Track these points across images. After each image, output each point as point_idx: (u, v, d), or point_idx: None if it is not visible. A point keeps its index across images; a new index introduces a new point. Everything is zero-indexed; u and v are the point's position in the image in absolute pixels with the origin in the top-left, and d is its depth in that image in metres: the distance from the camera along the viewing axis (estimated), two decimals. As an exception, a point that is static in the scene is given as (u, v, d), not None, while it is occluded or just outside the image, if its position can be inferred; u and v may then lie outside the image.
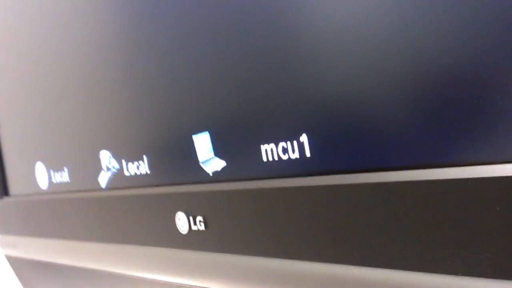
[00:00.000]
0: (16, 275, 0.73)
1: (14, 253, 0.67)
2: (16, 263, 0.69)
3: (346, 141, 0.30)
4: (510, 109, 0.23)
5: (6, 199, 0.66)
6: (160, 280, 0.45)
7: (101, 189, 0.50)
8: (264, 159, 0.35)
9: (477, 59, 0.24)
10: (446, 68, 0.25)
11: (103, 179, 0.49)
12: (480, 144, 0.24)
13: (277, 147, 0.34)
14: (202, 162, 0.39)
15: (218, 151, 0.38)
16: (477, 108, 0.24)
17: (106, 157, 0.48)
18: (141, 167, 0.45)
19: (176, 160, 0.41)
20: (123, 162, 0.46)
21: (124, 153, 0.46)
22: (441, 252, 0.26)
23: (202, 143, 0.39)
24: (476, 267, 0.25)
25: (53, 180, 0.57)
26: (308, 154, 0.32)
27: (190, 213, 0.40)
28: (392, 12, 0.27)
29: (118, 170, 0.47)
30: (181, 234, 0.41)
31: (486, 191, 0.24)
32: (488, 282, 0.24)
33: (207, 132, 0.38)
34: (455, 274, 0.26)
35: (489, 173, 0.24)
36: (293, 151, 0.33)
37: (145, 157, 0.44)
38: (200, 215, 0.39)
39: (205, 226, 0.39)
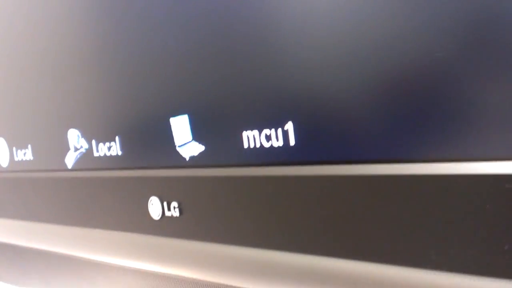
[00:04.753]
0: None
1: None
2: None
3: (332, 132, 0.29)
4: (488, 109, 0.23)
5: (-38, 176, 0.62)
6: (129, 267, 0.43)
7: (67, 169, 0.48)
8: (245, 145, 0.34)
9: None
10: (431, 69, 0.25)
11: (70, 159, 0.47)
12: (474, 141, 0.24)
13: (260, 134, 0.33)
14: (179, 146, 0.38)
15: (197, 135, 0.36)
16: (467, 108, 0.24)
17: (74, 136, 0.46)
18: (113, 149, 0.43)
19: (151, 143, 0.40)
20: (93, 142, 0.44)
21: (94, 133, 0.44)
22: (423, 246, 0.26)
23: (180, 126, 0.37)
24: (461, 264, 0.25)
25: (15, 158, 0.54)
26: (292, 142, 0.31)
27: (165, 198, 0.38)
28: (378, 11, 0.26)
29: (87, 150, 0.45)
30: (153, 219, 0.39)
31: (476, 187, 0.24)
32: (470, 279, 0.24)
33: (186, 115, 0.37)
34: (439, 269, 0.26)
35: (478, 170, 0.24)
36: (277, 139, 0.32)
37: (117, 138, 0.42)
38: (175, 200, 0.38)
39: (180, 212, 0.38)
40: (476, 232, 0.24)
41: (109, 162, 0.43)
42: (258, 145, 0.33)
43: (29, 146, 0.52)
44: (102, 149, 0.44)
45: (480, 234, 0.24)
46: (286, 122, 0.31)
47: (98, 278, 0.48)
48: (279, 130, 0.32)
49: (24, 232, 0.54)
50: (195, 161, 0.37)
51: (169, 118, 0.38)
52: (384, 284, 0.28)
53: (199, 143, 0.36)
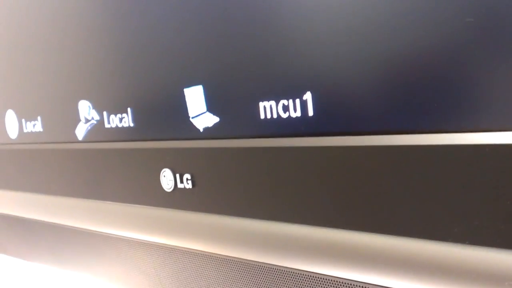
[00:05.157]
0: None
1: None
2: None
3: (352, 102, 0.28)
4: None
5: (-29, 148, 0.62)
6: (140, 240, 0.43)
7: (78, 141, 0.47)
8: (262, 116, 0.33)
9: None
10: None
11: (81, 130, 0.47)
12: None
13: (277, 104, 0.32)
14: (193, 117, 0.37)
15: (212, 106, 0.36)
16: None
17: (85, 108, 0.45)
18: (125, 120, 0.42)
19: (164, 114, 0.39)
20: (105, 113, 0.44)
21: (106, 104, 0.43)
22: (445, 219, 0.25)
23: (194, 97, 0.36)
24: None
25: (24, 130, 0.53)
26: (310, 113, 0.30)
27: (177, 170, 0.38)
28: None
29: (98, 122, 0.45)
30: (166, 191, 0.39)
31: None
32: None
33: (200, 86, 0.36)
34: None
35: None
36: (295, 109, 0.31)
37: (129, 110, 0.42)
38: (188, 172, 0.37)
39: (193, 184, 0.37)
40: (500, 205, 0.23)
41: (120, 134, 0.43)
42: (275, 116, 0.32)
43: (39, 117, 0.51)
44: (114, 121, 0.43)
45: (505, 206, 0.23)
46: (305, 92, 0.30)
47: (108, 251, 0.47)
48: (297, 100, 0.31)
49: (33, 205, 0.54)
50: (209, 133, 0.36)
51: (183, 89, 0.37)
52: (405, 257, 0.27)
53: (214, 114, 0.36)
